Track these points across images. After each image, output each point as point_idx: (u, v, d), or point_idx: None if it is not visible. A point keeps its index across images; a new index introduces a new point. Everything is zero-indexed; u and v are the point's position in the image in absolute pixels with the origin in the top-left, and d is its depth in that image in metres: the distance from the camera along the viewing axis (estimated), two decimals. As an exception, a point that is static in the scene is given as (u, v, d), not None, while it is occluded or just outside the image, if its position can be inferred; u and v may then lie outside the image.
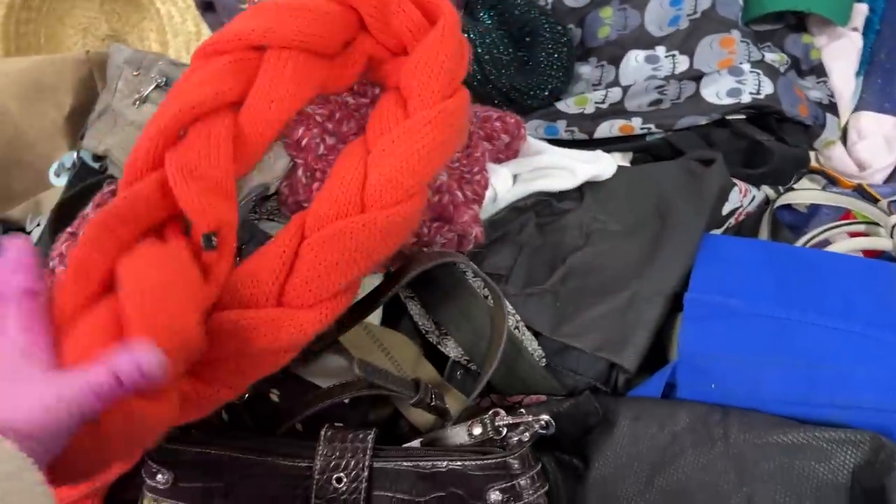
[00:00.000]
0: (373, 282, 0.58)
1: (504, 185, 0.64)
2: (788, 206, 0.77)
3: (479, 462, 0.46)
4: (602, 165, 0.65)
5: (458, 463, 0.46)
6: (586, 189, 0.66)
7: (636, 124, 0.77)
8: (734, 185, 0.66)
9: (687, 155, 0.69)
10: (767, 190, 0.77)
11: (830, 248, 0.67)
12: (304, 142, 0.55)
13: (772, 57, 0.78)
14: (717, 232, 0.68)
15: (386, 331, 0.58)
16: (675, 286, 0.59)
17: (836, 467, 0.49)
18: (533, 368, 0.57)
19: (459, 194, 0.59)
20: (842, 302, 0.56)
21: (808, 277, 0.58)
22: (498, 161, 0.67)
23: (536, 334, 0.59)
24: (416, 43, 0.55)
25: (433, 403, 0.50)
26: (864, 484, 0.49)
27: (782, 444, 0.50)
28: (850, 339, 0.54)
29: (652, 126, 0.76)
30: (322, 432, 0.47)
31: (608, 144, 0.78)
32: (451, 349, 0.59)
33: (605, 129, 0.77)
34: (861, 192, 0.74)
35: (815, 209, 0.78)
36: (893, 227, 0.64)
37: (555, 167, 0.65)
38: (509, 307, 0.59)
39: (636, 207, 0.64)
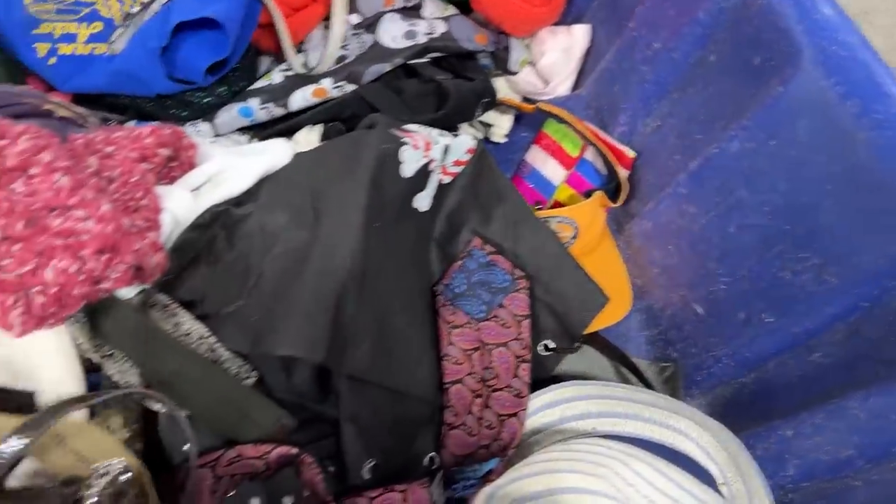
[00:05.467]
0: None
1: (181, 205, 0.60)
2: (487, 140, 0.79)
3: None
4: (275, 156, 0.62)
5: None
6: (263, 184, 0.61)
7: (327, 86, 0.73)
8: (401, 144, 0.63)
9: (359, 125, 0.67)
10: (469, 131, 0.78)
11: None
12: None
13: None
14: (424, 193, 0.66)
15: (77, 428, 0.52)
16: (348, 267, 0.57)
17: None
18: (238, 392, 0.56)
19: (127, 221, 0.56)
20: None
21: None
22: (173, 178, 0.63)
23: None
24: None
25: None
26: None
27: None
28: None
29: (343, 83, 0.73)
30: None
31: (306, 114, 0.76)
32: (157, 402, 0.56)
33: (300, 99, 0.73)
34: (542, 112, 0.76)
35: (512, 136, 0.80)
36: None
37: (226, 170, 0.62)
38: (204, 331, 0.58)
39: (309, 194, 0.61)
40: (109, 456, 0.52)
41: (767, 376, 0.60)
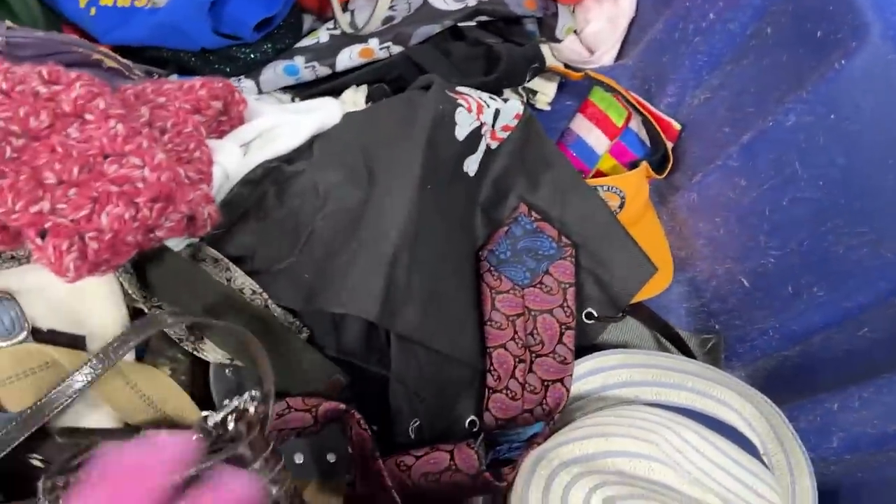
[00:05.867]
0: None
1: (232, 159, 0.60)
2: (532, 107, 0.78)
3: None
4: (326, 114, 0.62)
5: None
6: (316, 142, 0.61)
7: (374, 46, 0.73)
8: (457, 105, 0.61)
9: (411, 85, 0.66)
10: (513, 97, 0.77)
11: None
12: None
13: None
14: (474, 156, 0.65)
15: (135, 366, 0.54)
16: (402, 226, 0.56)
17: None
18: (293, 345, 0.56)
19: (181, 171, 0.55)
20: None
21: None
22: (221, 133, 0.62)
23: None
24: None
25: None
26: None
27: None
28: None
29: (390, 44, 0.73)
30: (40, 485, 0.42)
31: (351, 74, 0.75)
32: (210, 353, 0.55)
33: (346, 59, 0.72)
34: (591, 79, 0.75)
35: (557, 104, 0.80)
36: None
37: (278, 126, 0.61)
38: (256, 287, 0.57)
39: (362, 154, 0.60)
40: (173, 397, 0.52)
41: (812, 350, 0.61)
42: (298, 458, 0.59)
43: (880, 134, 0.53)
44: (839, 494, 0.58)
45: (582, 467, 0.53)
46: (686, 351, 0.67)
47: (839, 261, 0.57)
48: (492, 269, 0.65)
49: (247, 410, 0.51)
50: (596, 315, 0.66)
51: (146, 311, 0.56)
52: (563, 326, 0.64)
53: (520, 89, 0.77)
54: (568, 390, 0.61)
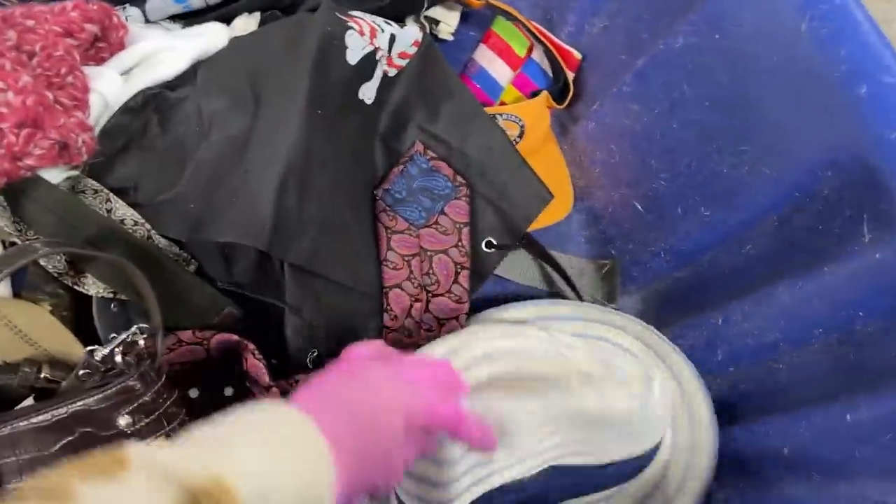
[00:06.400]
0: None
1: (111, 86, 0.57)
2: (435, 38, 0.77)
3: (99, 395, 0.44)
4: (211, 37, 0.59)
5: (79, 403, 0.43)
6: (200, 67, 0.58)
7: (264, -28, 0.70)
8: (346, 28, 0.60)
9: (301, 6, 0.64)
10: (415, 25, 0.76)
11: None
12: None
13: None
14: (370, 84, 0.64)
15: (11, 302, 0.51)
16: (291, 151, 0.54)
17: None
18: (181, 277, 0.54)
19: (49, 95, 0.52)
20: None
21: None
22: (101, 60, 0.59)
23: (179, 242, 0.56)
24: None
25: (43, 376, 0.48)
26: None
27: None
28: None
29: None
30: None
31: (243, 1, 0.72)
32: (92, 287, 0.53)
33: (238, -15, 0.71)
34: (493, 8, 0.74)
35: (460, 35, 0.79)
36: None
37: (161, 52, 0.58)
38: (138, 217, 0.55)
39: (248, 78, 0.58)
40: (52, 333, 0.50)
41: (701, 269, 0.62)
42: (193, 393, 0.58)
43: (760, 50, 0.54)
44: (724, 406, 0.60)
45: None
46: (572, 286, 0.68)
47: (723, 180, 0.58)
48: (387, 208, 0.64)
49: (136, 343, 0.50)
50: (495, 243, 0.66)
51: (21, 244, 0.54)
52: (458, 266, 0.64)
53: (422, 19, 0.75)
54: (462, 327, 0.61)
